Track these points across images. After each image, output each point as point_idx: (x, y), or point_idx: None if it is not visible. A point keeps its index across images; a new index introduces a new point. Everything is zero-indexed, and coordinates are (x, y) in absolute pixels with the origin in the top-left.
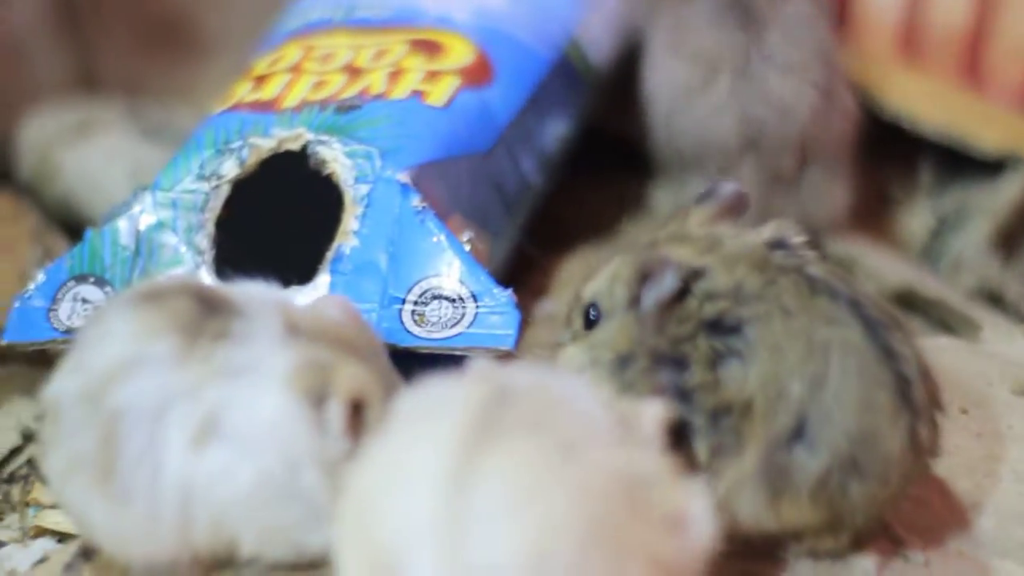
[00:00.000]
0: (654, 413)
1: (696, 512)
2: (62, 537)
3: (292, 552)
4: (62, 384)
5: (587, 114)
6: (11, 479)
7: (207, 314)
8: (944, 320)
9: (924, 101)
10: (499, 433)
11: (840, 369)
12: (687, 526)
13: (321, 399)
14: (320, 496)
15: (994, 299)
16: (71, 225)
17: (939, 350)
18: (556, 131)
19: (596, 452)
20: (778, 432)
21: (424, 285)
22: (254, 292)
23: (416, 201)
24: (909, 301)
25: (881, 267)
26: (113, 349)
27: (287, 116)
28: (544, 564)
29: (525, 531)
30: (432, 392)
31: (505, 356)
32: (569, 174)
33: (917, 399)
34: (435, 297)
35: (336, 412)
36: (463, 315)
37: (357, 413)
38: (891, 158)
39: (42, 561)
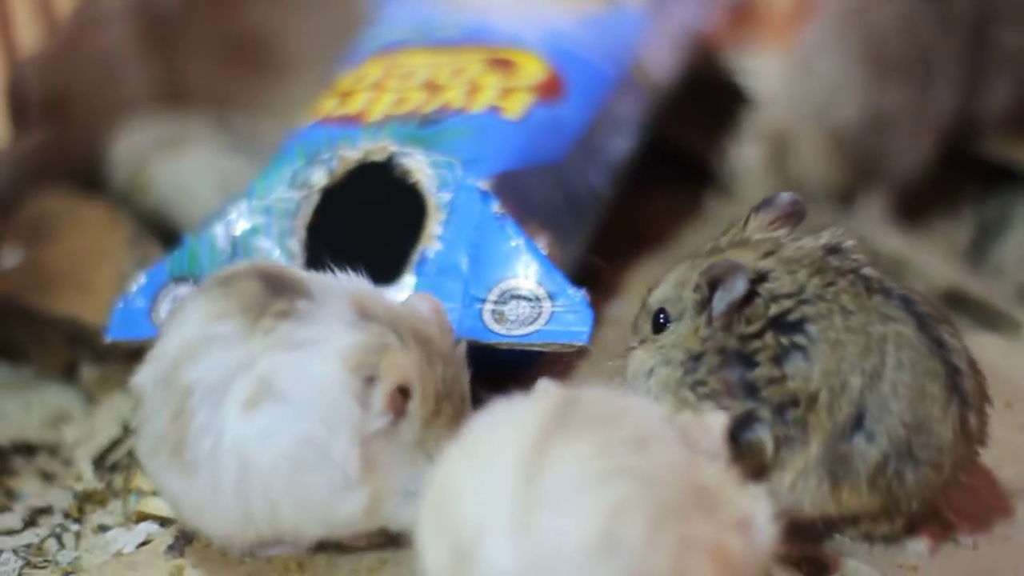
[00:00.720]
0: (715, 424)
1: (759, 517)
2: (163, 522)
3: (323, 525)
4: (144, 372)
5: (650, 128)
6: (114, 468)
7: (272, 294)
8: (988, 319)
9: None
10: (572, 425)
11: (895, 361)
12: (750, 529)
13: (371, 377)
14: (351, 467)
15: None
16: (163, 233)
17: (984, 347)
18: (621, 144)
19: (666, 447)
20: (840, 422)
21: (503, 286)
22: (330, 280)
23: (495, 207)
24: (955, 300)
25: (929, 268)
26: (185, 332)
27: (373, 129)
28: (612, 546)
29: (595, 513)
30: (507, 404)
31: (579, 351)
32: (634, 185)
33: (966, 389)
34: (514, 297)
35: (381, 391)
36: (540, 313)
37: (402, 397)
38: (936, 172)
39: (145, 543)
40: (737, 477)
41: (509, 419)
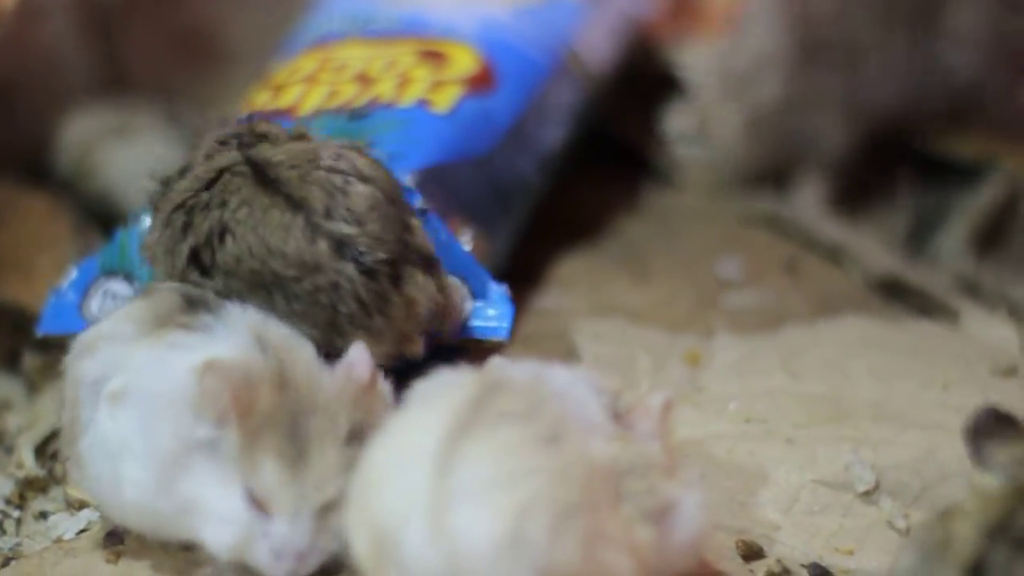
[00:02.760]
0: (655, 405)
1: (684, 504)
2: None
3: (160, 528)
4: (65, 365)
5: (587, 118)
6: (55, 456)
7: (184, 308)
8: (925, 307)
9: None
10: (486, 420)
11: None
12: (669, 518)
13: (209, 388)
14: (162, 469)
15: (971, 290)
16: (107, 220)
17: (921, 333)
18: (554, 134)
19: (579, 443)
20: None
21: None
22: (247, 313)
23: (419, 203)
24: (892, 288)
25: (867, 257)
26: (94, 328)
27: (303, 123)
28: (517, 545)
29: (500, 513)
30: (437, 382)
31: (498, 346)
32: (572, 175)
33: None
34: None
35: (211, 398)
36: None
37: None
38: (875, 161)
39: (86, 529)
40: (671, 461)
41: (430, 406)
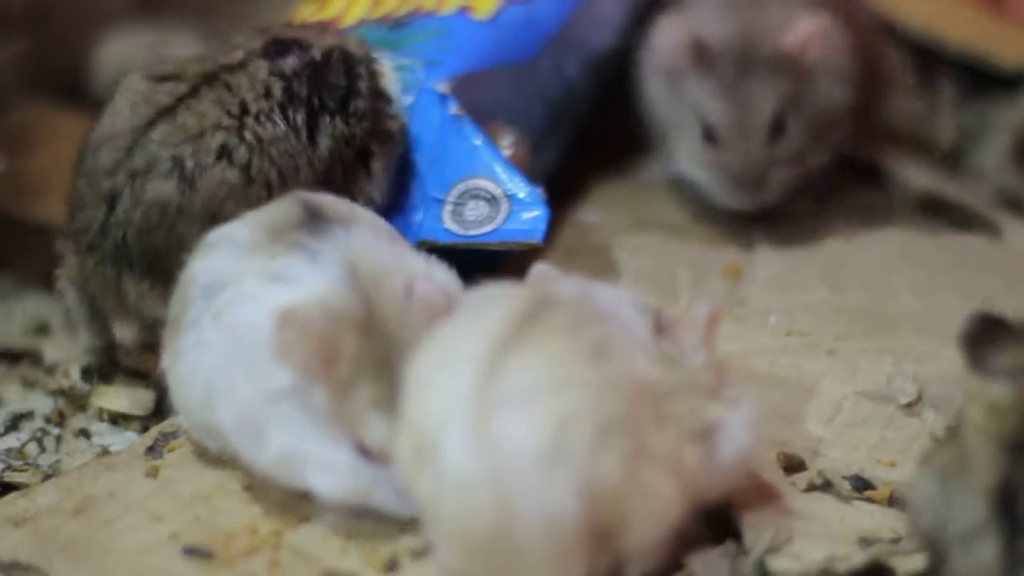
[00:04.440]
0: (700, 317)
1: (729, 424)
2: (144, 427)
3: (252, 465)
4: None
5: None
6: (96, 376)
7: (299, 224)
8: (966, 222)
9: (945, 22)
10: (537, 330)
11: None
12: (713, 438)
13: (287, 339)
14: (254, 415)
15: (1013, 205)
16: None
17: (962, 247)
18: (604, 38)
19: (625, 359)
20: None
21: (462, 186)
22: (350, 231)
23: (454, 109)
24: (933, 205)
25: (908, 175)
26: (222, 229)
27: (346, 34)
28: (558, 453)
29: (544, 420)
30: (489, 291)
31: (533, 250)
32: (611, 97)
33: None
34: (472, 197)
35: (290, 349)
36: (498, 213)
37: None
38: (916, 77)
39: (126, 446)
40: (717, 378)
41: (481, 314)
